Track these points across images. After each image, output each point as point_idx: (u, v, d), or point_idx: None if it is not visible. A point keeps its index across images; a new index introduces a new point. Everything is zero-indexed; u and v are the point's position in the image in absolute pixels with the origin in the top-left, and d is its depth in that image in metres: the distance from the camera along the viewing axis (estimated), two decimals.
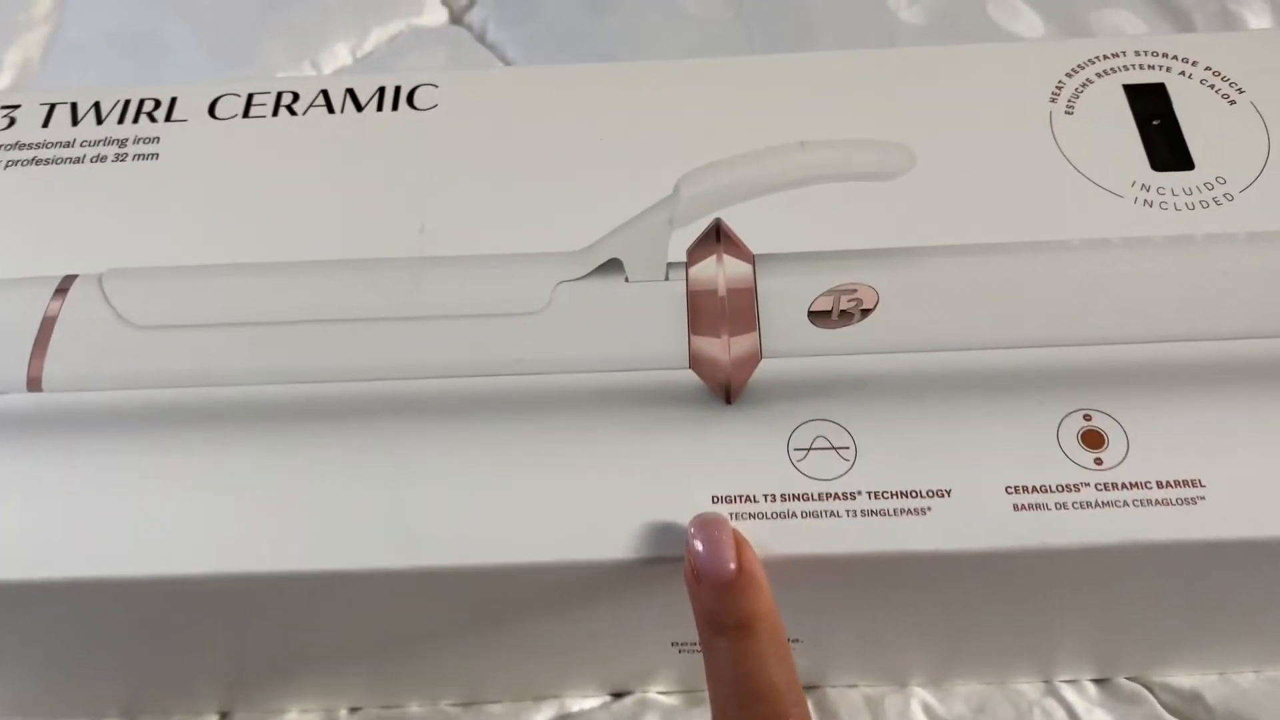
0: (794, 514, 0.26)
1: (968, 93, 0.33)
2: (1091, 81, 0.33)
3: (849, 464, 0.27)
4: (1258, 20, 0.50)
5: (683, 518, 0.26)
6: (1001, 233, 0.30)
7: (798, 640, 0.30)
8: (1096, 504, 0.26)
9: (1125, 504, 0.26)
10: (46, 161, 0.34)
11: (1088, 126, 0.32)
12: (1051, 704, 0.34)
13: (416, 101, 0.35)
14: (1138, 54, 0.34)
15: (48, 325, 0.30)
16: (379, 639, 0.30)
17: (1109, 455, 0.27)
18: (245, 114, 0.35)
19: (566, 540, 0.26)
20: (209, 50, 0.52)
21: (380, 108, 0.34)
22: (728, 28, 0.51)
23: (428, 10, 0.54)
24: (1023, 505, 0.26)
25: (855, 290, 0.29)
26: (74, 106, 0.35)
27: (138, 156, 0.34)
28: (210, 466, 0.28)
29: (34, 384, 0.29)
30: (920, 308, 0.29)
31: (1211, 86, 0.33)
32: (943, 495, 0.26)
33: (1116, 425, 0.27)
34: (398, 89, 0.35)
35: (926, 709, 0.34)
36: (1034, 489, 0.26)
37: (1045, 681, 0.34)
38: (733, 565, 0.25)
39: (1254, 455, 0.26)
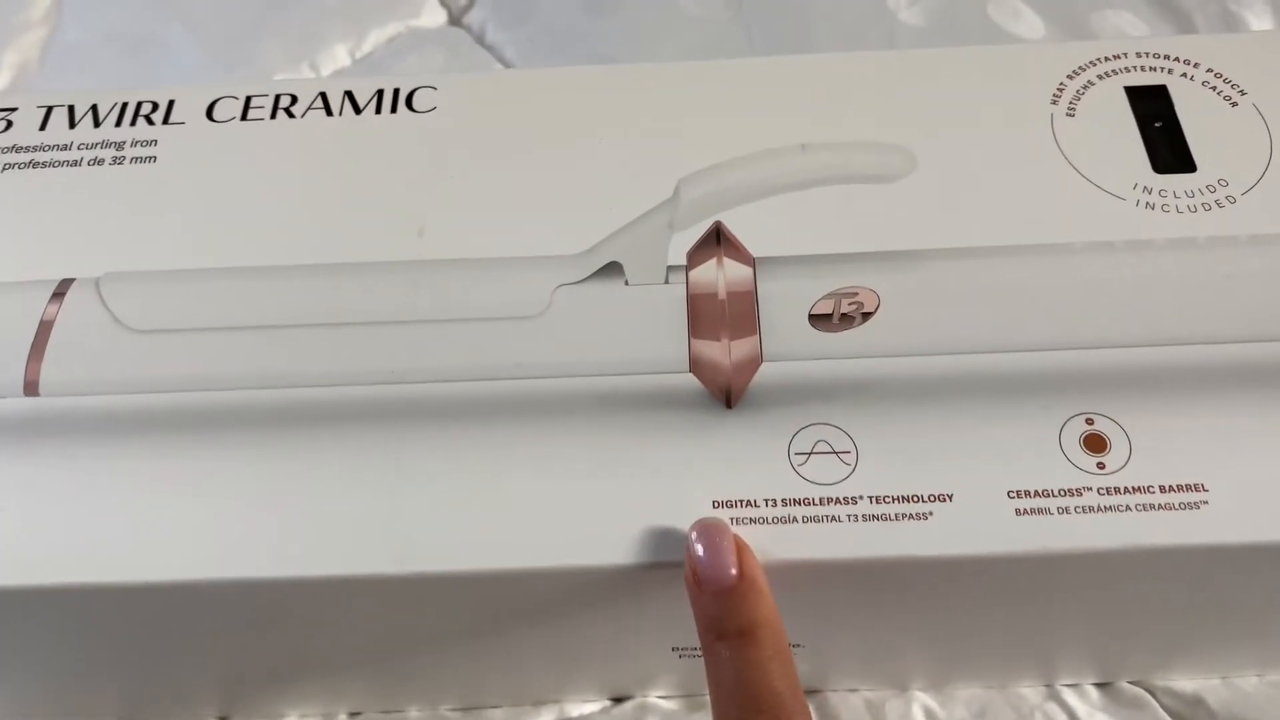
0: (795, 519, 0.26)
1: (968, 95, 0.33)
2: (1093, 83, 0.33)
3: (850, 468, 0.27)
4: (1259, 21, 0.50)
5: (683, 523, 0.26)
6: (1003, 235, 0.30)
7: (799, 645, 0.29)
8: (1099, 508, 0.26)
9: (1128, 508, 0.26)
10: (44, 164, 0.34)
11: (1089, 128, 0.32)
12: (1053, 708, 0.34)
13: (415, 104, 0.34)
14: (1139, 55, 0.34)
15: (45, 329, 0.30)
16: (378, 644, 0.30)
17: (1111, 459, 0.27)
18: (243, 116, 0.34)
19: (566, 545, 0.26)
20: (207, 52, 0.51)
21: (379, 110, 0.34)
22: (727, 28, 0.51)
23: (426, 12, 0.53)
24: (1025, 510, 0.26)
25: (856, 293, 0.29)
26: (71, 109, 0.35)
27: (135, 159, 0.34)
28: (208, 471, 0.27)
29: (31, 388, 0.29)
30: (921, 311, 0.29)
31: (1213, 88, 0.33)
32: (944, 499, 0.26)
33: (1119, 429, 0.27)
34: (396, 91, 0.35)
35: (928, 713, 0.34)
36: (1036, 493, 0.26)
37: (1047, 685, 0.34)
38: (734, 571, 0.24)
39: (1257, 459, 0.26)
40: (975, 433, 0.27)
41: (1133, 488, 0.26)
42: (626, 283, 0.30)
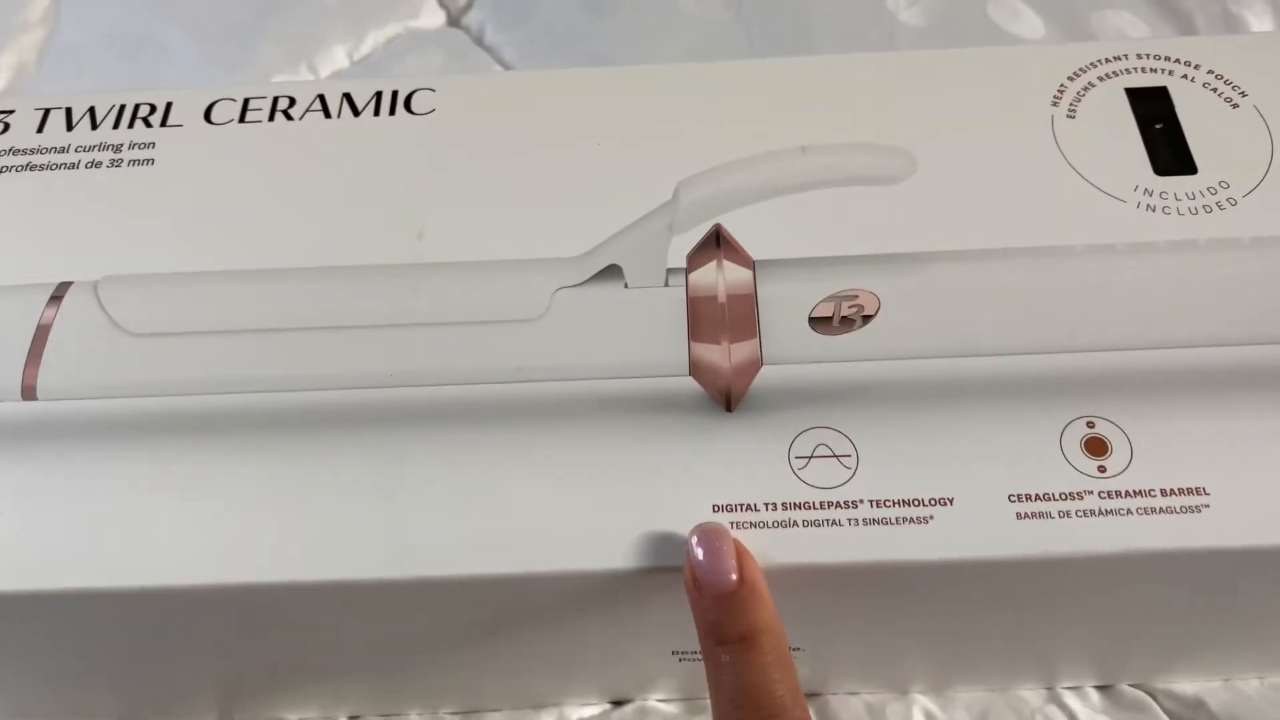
0: (795, 523, 0.26)
1: (969, 96, 0.33)
2: (1093, 85, 0.33)
3: (851, 472, 0.27)
4: (1259, 22, 0.50)
5: (683, 527, 0.26)
6: (1003, 238, 0.30)
7: (799, 648, 0.29)
8: (1100, 512, 0.26)
9: (1129, 512, 0.26)
10: (41, 167, 0.33)
11: (1090, 130, 0.32)
12: (1054, 711, 0.33)
13: (414, 106, 0.34)
14: (1140, 57, 0.34)
15: (42, 333, 0.30)
16: (378, 648, 0.30)
17: (1112, 463, 0.26)
18: (241, 119, 0.34)
19: (566, 550, 0.26)
20: (205, 53, 0.51)
21: (377, 112, 0.34)
22: (727, 29, 0.51)
23: (425, 12, 0.53)
24: (1025, 513, 0.26)
25: (856, 296, 0.29)
26: (69, 111, 0.35)
27: (133, 162, 0.33)
28: (207, 476, 0.27)
29: (29, 392, 0.29)
30: (922, 314, 0.29)
31: (1214, 90, 0.33)
32: (945, 503, 0.26)
33: (1120, 432, 0.27)
34: (395, 93, 0.35)
35: (928, 716, 0.33)
36: (1037, 497, 0.26)
37: (1048, 688, 0.34)
38: (734, 576, 0.24)
39: (1258, 462, 0.26)
40: (976, 436, 0.27)
41: (1134, 491, 0.26)
42: (626, 285, 0.30)
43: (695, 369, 0.28)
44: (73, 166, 0.33)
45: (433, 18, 0.53)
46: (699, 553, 0.25)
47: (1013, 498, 0.26)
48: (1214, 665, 0.33)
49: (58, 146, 0.34)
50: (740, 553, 0.25)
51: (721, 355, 0.28)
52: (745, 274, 0.30)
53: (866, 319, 0.29)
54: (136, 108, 0.35)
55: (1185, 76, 0.33)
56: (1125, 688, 0.34)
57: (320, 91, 0.35)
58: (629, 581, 0.26)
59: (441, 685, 0.33)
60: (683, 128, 0.33)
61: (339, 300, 0.30)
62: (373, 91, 0.35)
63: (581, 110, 0.34)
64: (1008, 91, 0.33)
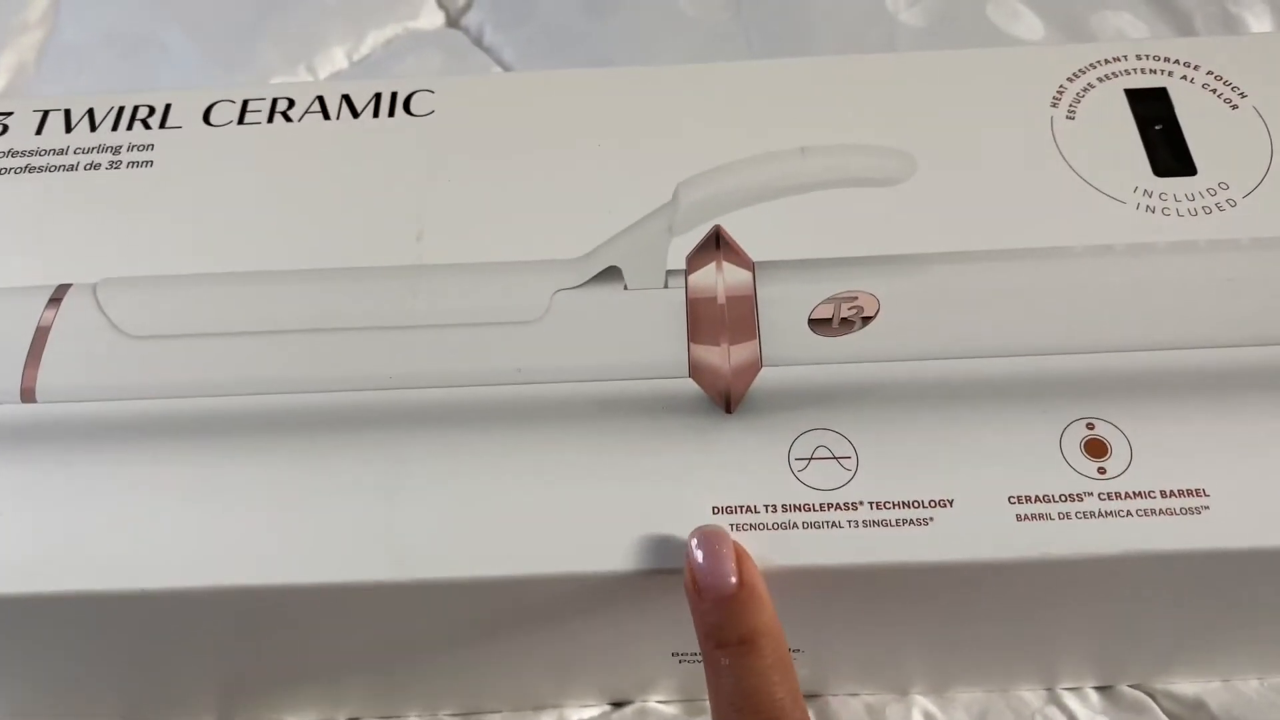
0: (795, 525, 0.26)
1: (968, 98, 0.33)
2: (1093, 86, 0.33)
3: (850, 474, 0.27)
4: (1258, 23, 0.50)
5: (683, 528, 0.26)
6: (1003, 239, 0.30)
7: (799, 650, 0.29)
8: (1100, 514, 0.26)
9: (1128, 514, 0.26)
10: (40, 169, 0.33)
11: (1089, 131, 0.32)
12: (1054, 712, 0.33)
13: (413, 107, 0.34)
14: (1139, 58, 0.34)
15: (41, 335, 0.30)
16: (377, 650, 0.30)
17: (1112, 464, 0.26)
18: (240, 120, 0.34)
19: (565, 552, 0.26)
20: (205, 54, 0.51)
21: (376, 114, 0.34)
22: (726, 30, 0.51)
23: (424, 13, 0.53)
24: (1025, 515, 0.26)
25: (856, 298, 0.29)
26: (67, 113, 0.35)
27: (132, 164, 0.33)
28: (206, 478, 0.27)
29: (28, 394, 0.29)
30: (921, 315, 0.29)
31: (1214, 91, 0.33)
32: (945, 505, 0.26)
33: (1120, 434, 0.27)
34: (394, 95, 0.35)
35: (928, 717, 0.33)
36: (1037, 499, 0.26)
37: (1047, 689, 0.34)
38: (734, 579, 0.24)
39: (1258, 464, 0.26)
40: (975, 438, 0.27)
41: (1134, 493, 0.26)
42: (625, 287, 0.30)
43: (695, 370, 0.28)
44: (71, 168, 0.33)
45: (432, 18, 0.53)
46: (698, 555, 0.25)
47: (1012, 499, 0.26)
48: (1214, 666, 0.33)
49: (56, 148, 0.34)
50: (740, 556, 0.25)
51: (721, 357, 0.28)
52: (745, 275, 0.30)
53: (866, 320, 0.29)
54: (135, 109, 0.35)
55: (1185, 77, 0.33)
56: (1125, 689, 0.34)
57: (319, 93, 0.35)
58: (629, 583, 0.26)
59: (441, 687, 0.33)
60: (682, 129, 0.33)
61: (338, 302, 0.30)
62: (372, 93, 0.35)
63: (581, 111, 0.34)
64: (1007, 92, 0.33)
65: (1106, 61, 0.34)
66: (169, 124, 0.34)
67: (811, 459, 0.27)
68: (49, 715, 0.34)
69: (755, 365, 0.28)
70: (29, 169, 0.34)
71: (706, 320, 0.29)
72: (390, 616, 0.28)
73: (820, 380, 0.28)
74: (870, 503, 0.26)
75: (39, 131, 0.34)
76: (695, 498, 0.26)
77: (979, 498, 0.26)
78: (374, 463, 0.27)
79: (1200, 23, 0.50)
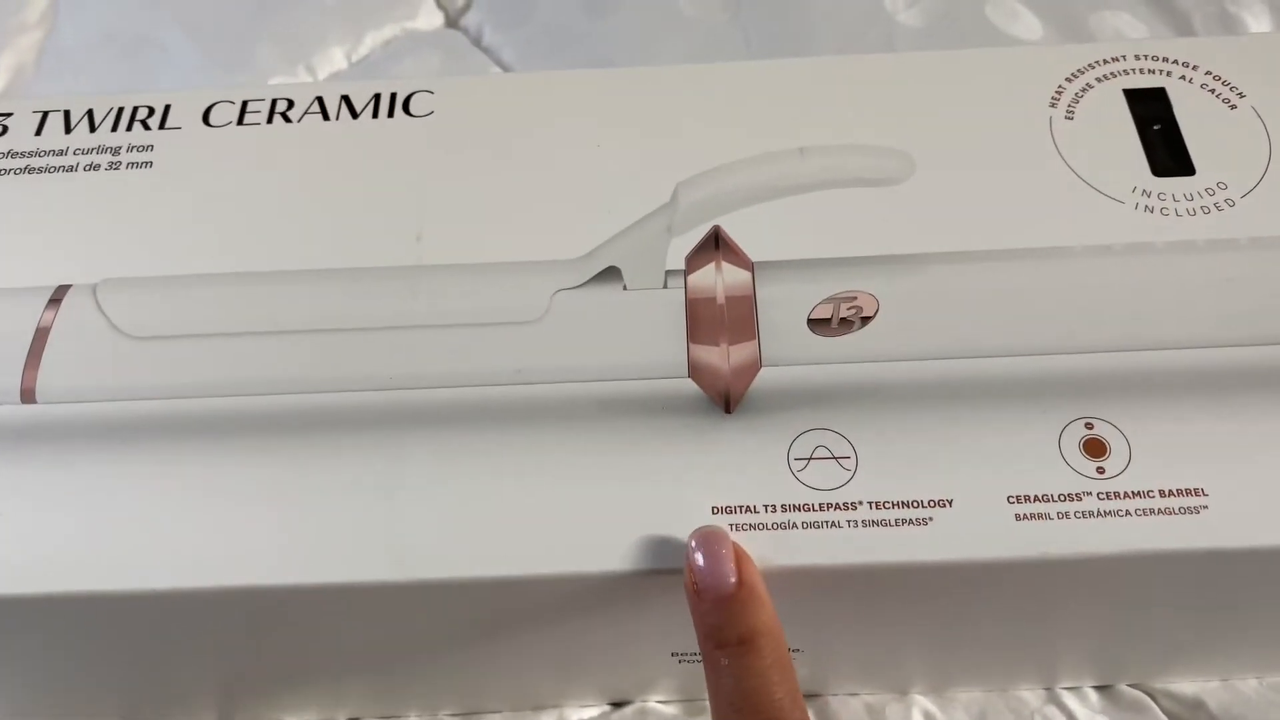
0: (795, 524, 0.26)
1: (967, 98, 0.33)
2: (1091, 86, 0.33)
3: (850, 474, 0.27)
4: (1257, 23, 0.50)
5: (682, 528, 0.26)
6: (1001, 239, 0.30)
7: (798, 650, 0.29)
8: (1099, 513, 0.26)
9: (1127, 513, 0.26)
10: (40, 170, 0.33)
11: (1088, 131, 0.32)
12: (1053, 711, 0.34)
13: (412, 108, 0.34)
14: (1138, 58, 0.34)
15: (41, 336, 0.30)
16: (377, 650, 0.30)
17: (1111, 464, 0.26)
18: (240, 121, 0.34)
19: (565, 552, 0.26)
20: (204, 54, 0.51)
21: (376, 114, 0.34)
22: (725, 30, 0.51)
23: (423, 14, 0.53)
24: (1024, 515, 0.26)
25: (855, 298, 0.29)
26: (67, 114, 0.35)
27: (131, 165, 0.33)
28: (206, 478, 0.27)
29: (28, 395, 0.29)
30: (920, 315, 0.29)
31: (1212, 91, 0.33)
32: (944, 505, 0.26)
33: (1118, 434, 0.27)
34: (393, 95, 0.35)
35: (927, 717, 0.33)
36: (1036, 498, 0.26)
37: (1047, 689, 0.34)
38: (734, 580, 0.24)
39: (1256, 463, 0.26)
40: (975, 437, 0.27)
41: (1132, 492, 0.26)
42: (625, 287, 0.30)
43: (694, 371, 0.28)
44: (71, 169, 0.33)
45: (431, 19, 0.53)
46: (698, 556, 0.25)
47: (1011, 499, 0.26)
48: (1213, 665, 0.33)
49: (56, 149, 0.34)
50: (739, 556, 0.25)
51: (720, 357, 0.28)
52: (744, 275, 0.30)
53: (865, 320, 0.29)
54: (135, 110, 0.35)
55: (1183, 77, 0.33)
56: (1124, 688, 0.34)
57: (318, 93, 0.35)
58: (628, 583, 0.26)
59: (441, 687, 0.33)
60: (682, 129, 0.33)
61: (338, 302, 0.30)
62: (371, 93, 0.35)
63: (580, 112, 0.34)
64: (1006, 93, 0.33)
65: (1105, 61, 0.34)
66: (168, 125, 0.34)
67: (811, 459, 0.27)
68: (49, 715, 0.34)
69: (754, 365, 0.28)
70: (29, 170, 0.34)
71: (706, 320, 0.29)
72: (390, 616, 0.28)
73: (819, 380, 0.28)
74: (869, 502, 0.26)
75: (38, 132, 0.34)
76: (695, 498, 0.26)
77: (978, 497, 0.26)
78: (374, 463, 0.27)
79: (1199, 23, 0.50)
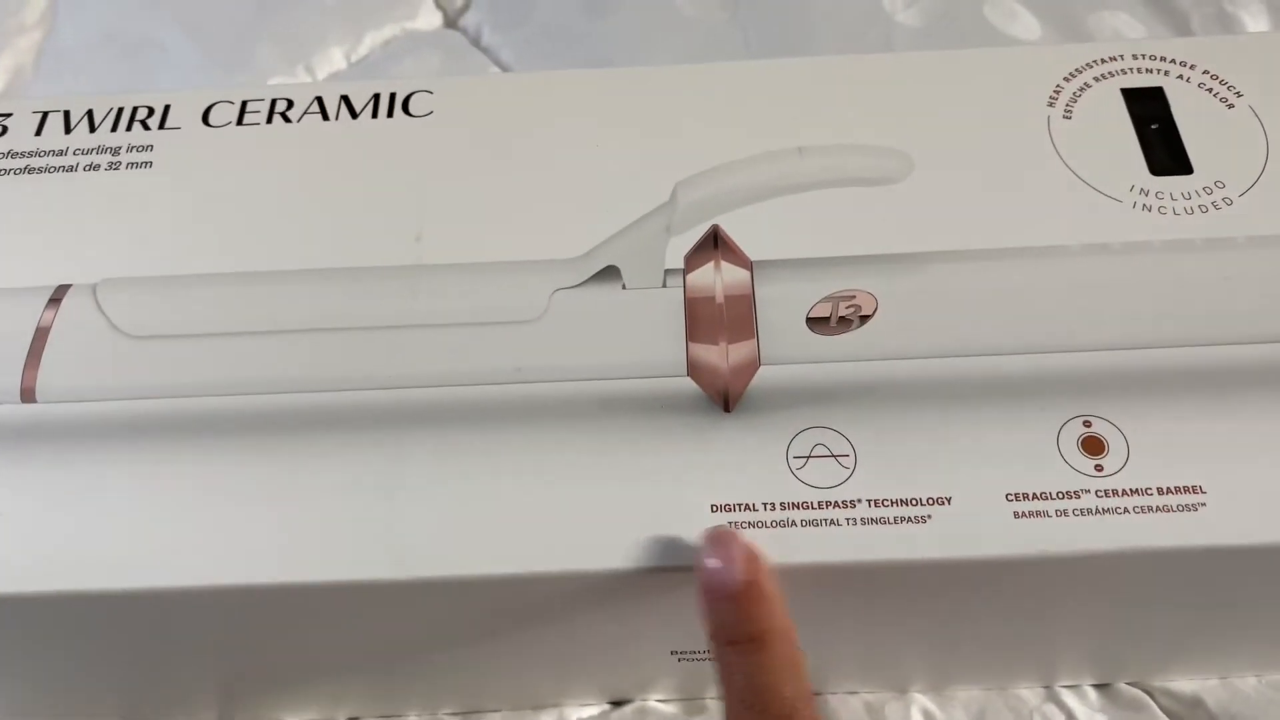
0: (794, 523, 0.26)
1: (965, 97, 0.33)
2: (1089, 85, 0.33)
3: (849, 472, 0.27)
4: (1255, 23, 0.50)
5: (681, 527, 0.26)
6: (1000, 238, 0.30)
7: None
8: (1097, 511, 0.26)
9: (1126, 511, 0.26)
10: (39, 170, 0.34)
11: (1086, 130, 0.32)
12: (1052, 709, 0.34)
13: (411, 108, 0.34)
14: (1135, 57, 0.34)
15: (41, 335, 0.30)
16: (377, 649, 0.30)
17: (1109, 462, 0.27)
18: (239, 121, 0.34)
19: (565, 550, 0.26)
20: (203, 55, 0.51)
21: (375, 115, 0.34)
22: (724, 30, 0.51)
23: (422, 14, 0.53)
24: (1023, 513, 0.26)
25: (854, 296, 0.29)
26: (66, 114, 0.35)
27: (131, 165, 0.33)
28: (206, 477, 0.27)
29: (28, 395, 0.29)
30: (919, 314, 0.29)
31: (1210, 90, 0.33)
32: (943, 503, 0.26)
33: (1117, 432, 0.27)
34: (393, 96, 0.35)
35: (926, 715, 0.34)
36: (1034, 496, 0.26)
37: (1045, 687, 0.34)
38: (744, 577, 0.24)
39: (1255, 461, 0.26)
40: (973, 436, 0.27)
41: (1131, 490, 0.26)
42: (624, 286, 0.30)
43: (693, 369, 0.28)
44: (71, 169, 0.34)
45: (430, 19, 0.53)
46: (710, 554, 0.25)
47: (1010, 497, 0.26)
48: (1211, 663, 0.33)
49: (56, 149, 0.34)
50: (752, 554, 0.25)
51: (719, 356, 0.29)
52: (743, 274, 0.30)
53: (864, 319, 0.29)
54: (134, 110, 0.35)
55: (1181, 77, 0.33)
56: (1123, 686, 0.34)
57: (318, 94, 0.35)
58: (628, 582, 0.26)
59: (441, 686, 0.33)
60: (680, 129, 0.33)
61: (338, 302, 0.30)
62: (370, 94, 0.35)
63: (579, 112, 0.34)
64: (1004, 92, 0.33)
65: (1103, 61, 0.34)
66: (168, 125, 0.34)
67: (810, 457, 0.27)
68: (49, 715, 0.34)
69: (753, 364, 0.28)
70: (28, 170, 0.34)
71: (705, 319, 0.29)
72: (390, 615, 0.28)
73: (818, 379, 0.28)
74: (868, 500, 0.26)
75: (38, 133, 0.34)
76: (694, 496, 0.27)
77: (977, 495, 0.26)
78: (373, 462, 0.27)
79: (1197, 22, 0.50)
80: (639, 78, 0.35)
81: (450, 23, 0.54)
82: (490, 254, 0.31)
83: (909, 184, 0.31)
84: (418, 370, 0.29)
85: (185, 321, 0.30)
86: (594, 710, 0.34)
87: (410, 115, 0.34)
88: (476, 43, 0.52)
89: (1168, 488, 0.26)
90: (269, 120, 0.34)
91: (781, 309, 0.29)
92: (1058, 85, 0.33)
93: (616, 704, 0.34)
